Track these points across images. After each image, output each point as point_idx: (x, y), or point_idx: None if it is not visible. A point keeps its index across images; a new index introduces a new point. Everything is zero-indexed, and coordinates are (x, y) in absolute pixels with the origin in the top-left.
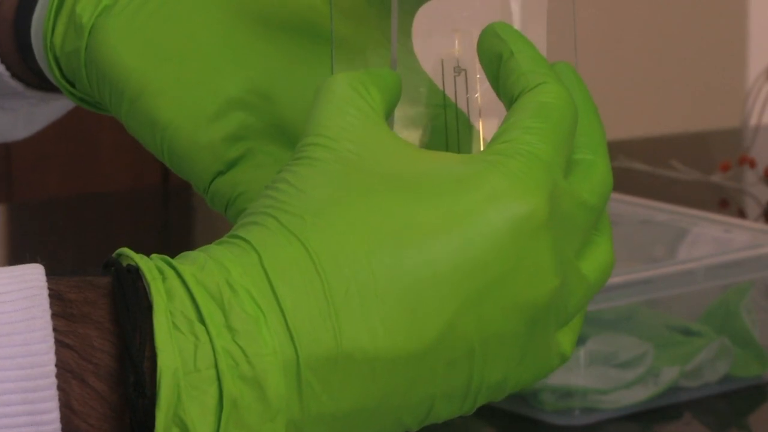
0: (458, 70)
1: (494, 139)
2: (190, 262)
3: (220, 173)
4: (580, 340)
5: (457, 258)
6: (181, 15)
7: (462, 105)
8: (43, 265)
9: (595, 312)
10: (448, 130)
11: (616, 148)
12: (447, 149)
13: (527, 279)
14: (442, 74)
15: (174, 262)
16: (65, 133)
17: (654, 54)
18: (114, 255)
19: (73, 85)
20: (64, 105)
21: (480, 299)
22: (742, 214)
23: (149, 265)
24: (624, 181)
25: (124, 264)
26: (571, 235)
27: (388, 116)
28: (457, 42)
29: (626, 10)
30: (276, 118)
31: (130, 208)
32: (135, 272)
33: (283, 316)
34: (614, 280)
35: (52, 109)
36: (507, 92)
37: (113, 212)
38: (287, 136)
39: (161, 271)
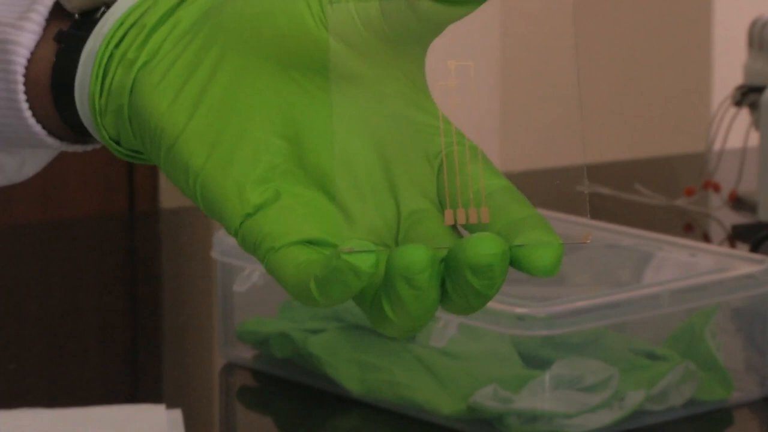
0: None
1: None
2: None
3: (248, 215)
4: (546, 364)
5: None
6: (208, 65)
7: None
8: (8, 291)
9: (560, 336)
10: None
11: (581, 173)
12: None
13: None
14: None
15: None
16: None
17: (618, 79)
18: None
19: (118, 143)
20: None
21: None
22: (706, 238)
23: None
24: (589, 206)
25: None
26: None
27: None
28: (453, 71)
29: (591, 36)
30: (300, 159)
31: (97, 234)
32: None
33: None
34: (580, 304)
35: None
36: None
37: (79, 239)
38: (311, 175)
39: None
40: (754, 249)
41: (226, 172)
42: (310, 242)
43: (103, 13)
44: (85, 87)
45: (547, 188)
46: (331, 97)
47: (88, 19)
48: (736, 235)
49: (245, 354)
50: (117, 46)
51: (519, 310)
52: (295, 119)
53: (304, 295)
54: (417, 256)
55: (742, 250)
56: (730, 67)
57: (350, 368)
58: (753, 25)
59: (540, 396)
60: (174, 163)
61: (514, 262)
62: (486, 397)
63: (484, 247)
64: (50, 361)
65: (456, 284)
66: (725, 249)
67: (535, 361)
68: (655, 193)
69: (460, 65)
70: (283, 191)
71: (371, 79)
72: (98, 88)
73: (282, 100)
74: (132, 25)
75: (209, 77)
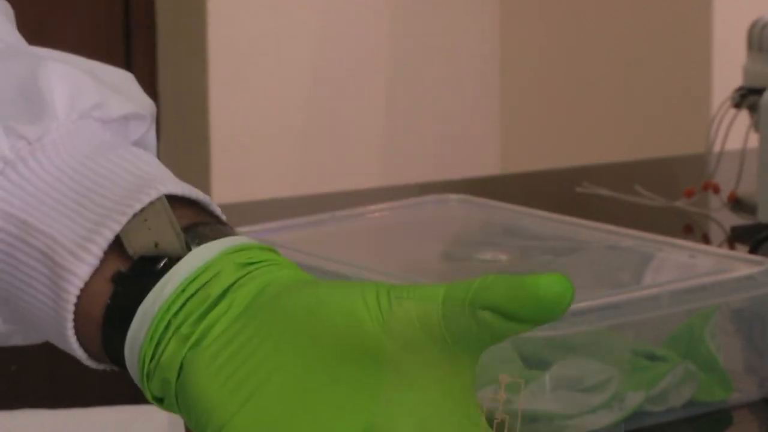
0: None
1: None
2: None
3: None
4: (546, 365)
5: None
6: (261, 357)
7: None
8: None
9: (560, 337)
10: None
11: (581, 174)
12: None
13: None
14: None
15: None
16: None
17: (618, 80)
18: None
19: (161, 400)
20: None
21: None
22: (706, 239)
23: None
24: (589, 207)
25: None
26: None
27: None
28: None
29: (592, 36)
30: None
31: None
32: None
33: None
34: (580, 305)
35: None
36: None
37: None
38: None
39: None
40: (754, 250)
41: None
42: None
43: (165, 265)
44: (137, 342)
45: (547, 189)
46: (387, 397)
47: (149, 267)
48: (736, 237)
49: None
50: (176, 314)
51: None
52: (346, 416)
53: None
54: None
55: (742, 252)
56: (730, 69)
57: None
58: (753, 26)
59: (540, 396)
60: None
61: None
62: (486, 398)
63: None
64: (51, 361)
65: None
66: (725, 250)
67: (535, 362)
68: (654, 194)
69: (512, 382)
70: None
71: (420, 379)
72: (151, 351)
73: (334, 397)
74: (192, 295)
75: (262, 371)
